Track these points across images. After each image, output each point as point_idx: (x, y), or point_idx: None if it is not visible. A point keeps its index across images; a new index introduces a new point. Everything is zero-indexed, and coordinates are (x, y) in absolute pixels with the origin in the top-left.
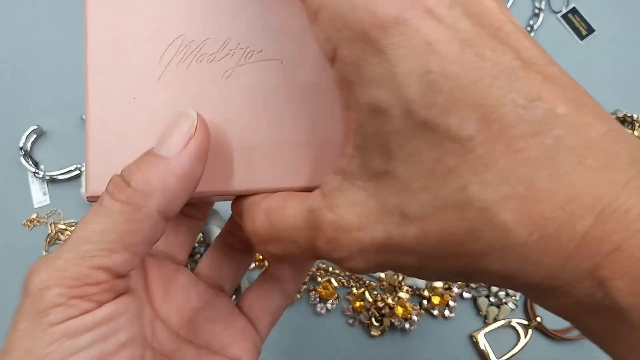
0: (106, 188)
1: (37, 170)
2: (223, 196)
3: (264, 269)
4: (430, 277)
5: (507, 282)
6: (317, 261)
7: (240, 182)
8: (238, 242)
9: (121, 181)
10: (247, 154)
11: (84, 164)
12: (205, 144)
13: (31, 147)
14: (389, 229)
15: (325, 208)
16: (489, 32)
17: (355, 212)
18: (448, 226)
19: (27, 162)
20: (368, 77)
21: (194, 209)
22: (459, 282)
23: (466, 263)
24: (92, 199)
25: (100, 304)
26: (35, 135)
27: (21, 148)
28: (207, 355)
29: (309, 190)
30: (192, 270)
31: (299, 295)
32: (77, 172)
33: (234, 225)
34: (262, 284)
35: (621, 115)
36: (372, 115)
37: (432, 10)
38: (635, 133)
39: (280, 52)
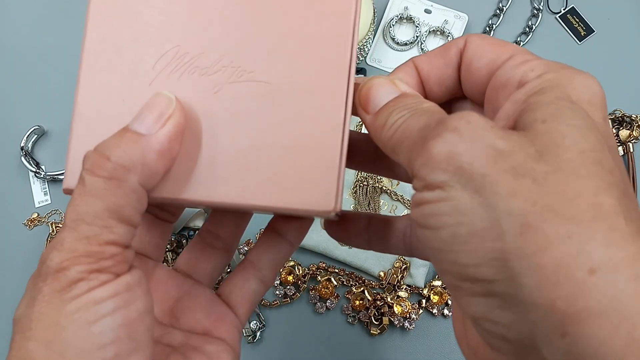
0: (83, 166)
1: (38, 170)
2: (199, 206)
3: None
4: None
5: None
6: (317, 260)
7: (211, 194)
8: (217, 241)
9: (99, 157)
10: (226, 167)
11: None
12: (181, 123)
13: (32, 147)
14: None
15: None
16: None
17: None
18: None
19: (28, 162)
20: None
21: (167, 212)
22: None
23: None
24: (69, 192)
25: (118, 275)
26: (36, 136)
27: (22, 148)
28: (193, 337)
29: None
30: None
31: (298, 294)
32: None
33: (215, 225)
34: (241, 271)
35: (620, 115)
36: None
37: None
38: (634, 133)
39: (270, 75)
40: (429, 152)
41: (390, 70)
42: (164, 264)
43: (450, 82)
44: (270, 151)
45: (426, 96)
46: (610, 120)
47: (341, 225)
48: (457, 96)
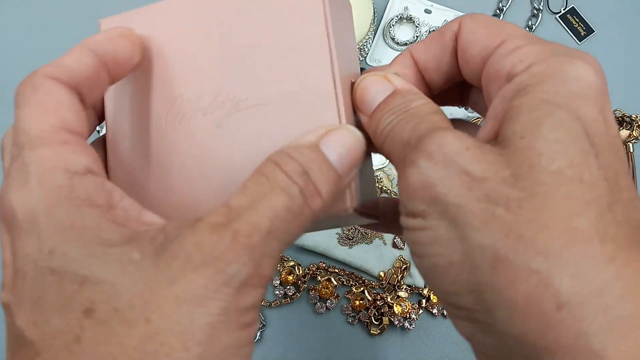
0: (291, 176)
1: None
2: None
3: None
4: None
5: None
6: (317, 260)
7: None
8: None
9: (312, 186)
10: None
11: None
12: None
13: None
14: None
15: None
16: None
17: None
18: None
19: None
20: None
21: None
22: None
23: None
24: None
25: None
26: None
27: None
28: None
29: None
30: None
31: (298, 294)
32: None
33: None
34: None
35: (620, 115)
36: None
37: None
38: (634, 133)
39: (262, 97)
40: (406, 181)
41: None
42: None
43: (449, 69)
44: None
45: (427, 85)
46: None
47: (385, 226)
48: (459, 80)
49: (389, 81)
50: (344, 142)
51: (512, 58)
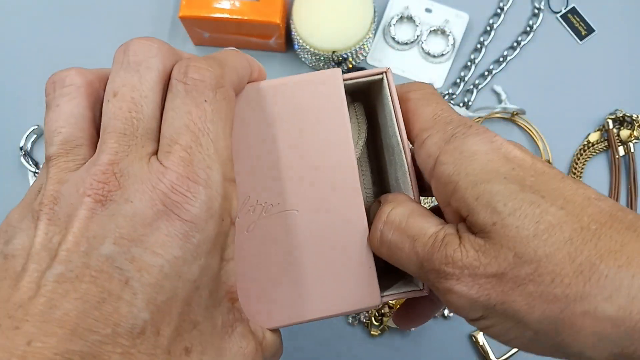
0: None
1: (37, 170)
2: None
3: None
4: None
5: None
6: None
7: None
8: None
9: None
10: (268, 294)
11: None
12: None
13: (31, 147)
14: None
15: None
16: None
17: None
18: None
19: (27, 162)
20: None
21: None
22: None
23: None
24: None
25: None
26: (35, 135)
27: (21, 148)
28: None
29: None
30: None
31: None
32: None
33: None
34: None
35: (620, 115)
36: (476, 186)
37: None
38: (635, 133)
39: (294, 203)
40: (453, 305)
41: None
42: None
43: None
44: (312, 268)
45: None
46: (611, 120)
47: (409, 316)
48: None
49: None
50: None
51: (422, 154)
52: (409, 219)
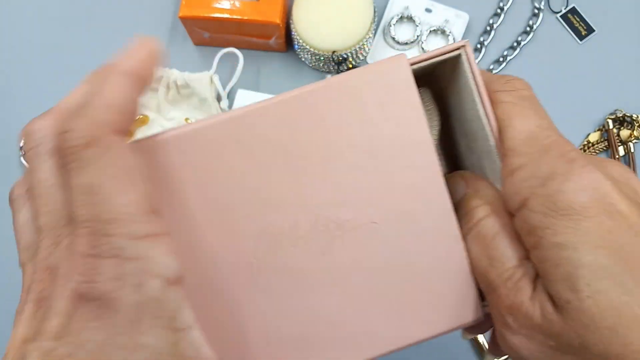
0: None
1: None
2: None
3: None
4: None
5: None
6: None
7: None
8: None
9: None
10: (366, 320)
11: None
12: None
13: None
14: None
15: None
16: None
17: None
18: None
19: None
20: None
21: None
22: None
23: None
24: None
25: None
26: None
27: (21, 148)
28: None
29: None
30: None
31: None
32: None
33: None
34: None
35: (620, 115)
36: (558, 250)
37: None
38: (635, 133)
39: (370, 214)
40: (503, 347)
41: None
42: None
43: None
44: (403, 286)
45: None
46: (611, 120)
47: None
48: None
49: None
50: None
51: (509, 187)
52: (495, 238)
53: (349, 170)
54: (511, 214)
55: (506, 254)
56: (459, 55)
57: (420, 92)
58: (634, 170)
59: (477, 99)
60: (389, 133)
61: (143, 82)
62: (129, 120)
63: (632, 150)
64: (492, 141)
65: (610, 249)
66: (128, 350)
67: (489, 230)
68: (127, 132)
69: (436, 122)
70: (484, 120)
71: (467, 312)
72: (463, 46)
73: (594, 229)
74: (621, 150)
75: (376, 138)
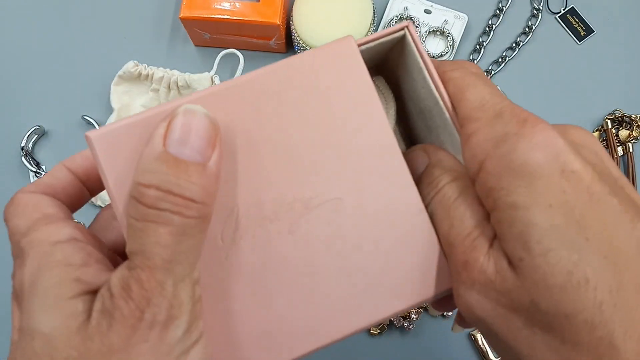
0: (156, 206)
1: (38, 170)
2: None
3: None
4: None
5: None
6: None
7: (336, 332)
8: None
9: (174, 197)
10: (337, 298)
11: None
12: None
13: (32, 147)
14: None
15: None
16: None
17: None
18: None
19: (29, 162)
20: (510, 185)
21: None
22: None
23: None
24: None
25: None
26: (36, 135)
27: (22, 148)
28: None
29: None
30: None
31: None
32: None
33: None
34: None
35: (619, 115)
36: (512, 210)
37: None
38: (634, 133)
39: (334, 192)
40: (457, 306)
41: None
42: None
43: None
44: (372, 260)
45: None
46: (610, 120)
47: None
48: None
49: (426, 154)
50: (190, 128)
51: (466, 152)
52: (456, 201)
53: (310, 150)
54: (472, 179)
55: (466, 214)
56: (404, 36)
57: (374, 80)
58: (633, 170)
59: (426, 74)
60: (344, 112)
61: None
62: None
63: (631, 150)
64: (447, 114)
65: (563, 208)
66: None
67: (450, 195)
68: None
69: (392, 107)
70: (436, 94)
71: (437, 283)
72: (406, 27)
73: (546, 188)
74: (620, 151)
75: (332, 117)
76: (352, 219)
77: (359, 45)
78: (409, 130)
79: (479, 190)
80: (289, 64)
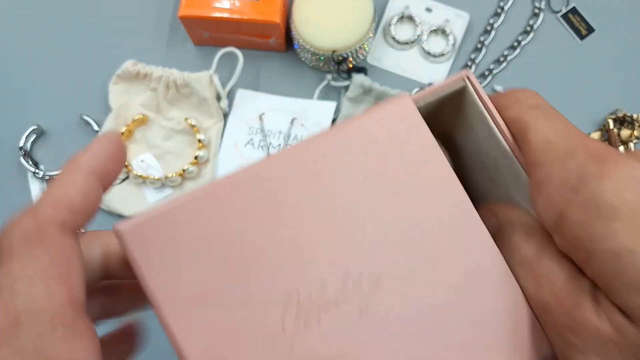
0: None
1: (36, 170)
2: None
3: None
4: None
5: None
6: None
7: None
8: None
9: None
10: None
11: None
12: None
13: (31, 147)
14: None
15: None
16: None
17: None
18: None
19: (27, 162)
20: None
21: None
22: None
23: None
24: None
25: None
26: (35, 135)
27: (21, 148)
28: None
29: None
30: None
31: None
32: None
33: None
34: None
35: (621, 114)
36: (614, 258)
37: None
38: (635, 133)
39: (406, 262)
40: None
41: (391, 69)
42: None
43: None
44: (460, 337)
45: None
46: (611, 120)
47: None
48: None
49: None
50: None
51: (540, 203)
52: (539, 258)
53: (374, 217)
54: (551, 232)
55: (553, 271)
56: (464, 87)
57: None
58: None
59: (493, 126)
60: (408, 175)
61: (103, 179)
62: (82, 216)
63: (633, 149)
64: (518, 165)
65: None
66: None
67: (532, 254)
68: (78, 227)
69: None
70: (505, 146)
71: (534, 351)
72: (466, 77)
73: None
74: (622, 150)
75: (396, 182)
76: (430, 290)
77: (415, 101)
78: (465, 187)
79: (564, 243)
80: (346, 128)
